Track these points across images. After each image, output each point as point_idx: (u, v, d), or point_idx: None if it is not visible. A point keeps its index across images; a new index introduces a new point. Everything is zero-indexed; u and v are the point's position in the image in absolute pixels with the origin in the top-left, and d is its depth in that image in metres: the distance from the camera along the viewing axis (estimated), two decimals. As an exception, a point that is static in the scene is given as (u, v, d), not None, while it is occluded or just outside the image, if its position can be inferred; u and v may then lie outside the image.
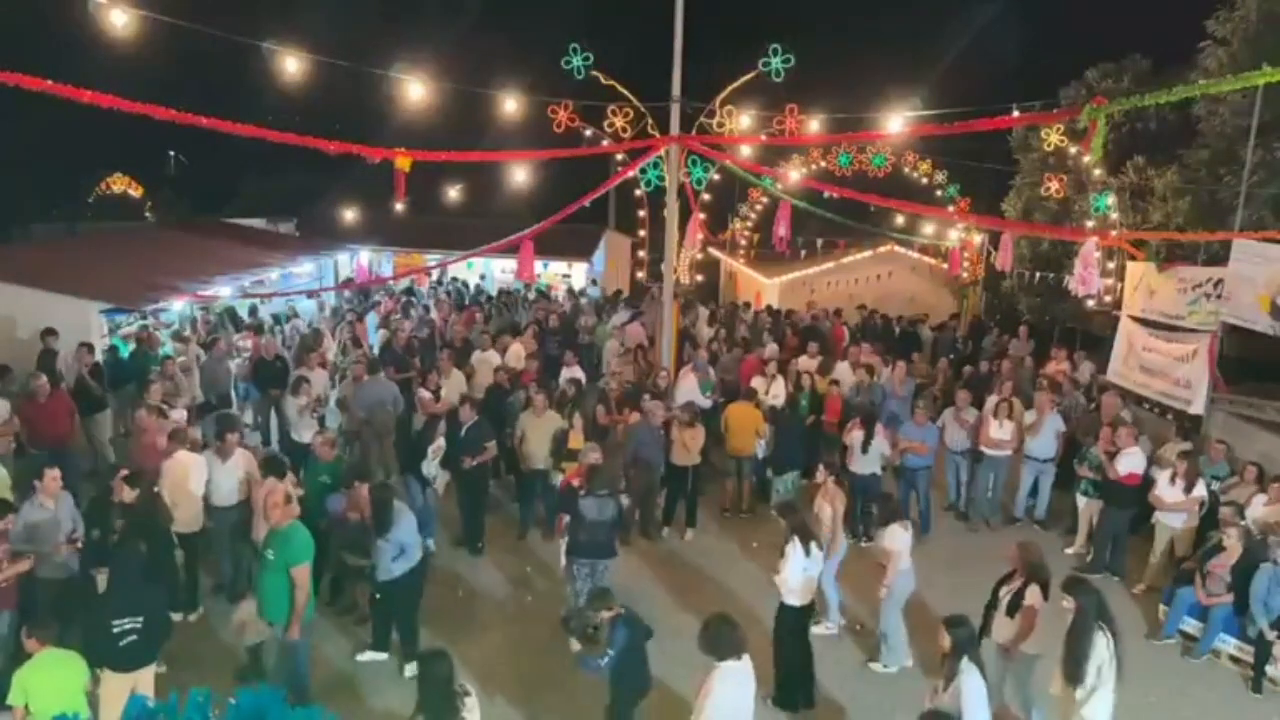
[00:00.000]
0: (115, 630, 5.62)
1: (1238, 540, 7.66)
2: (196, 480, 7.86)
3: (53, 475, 6.91)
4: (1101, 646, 5.71)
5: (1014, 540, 10.07)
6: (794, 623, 6.89)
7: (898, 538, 7.28)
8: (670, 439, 9.87)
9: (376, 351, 12.92)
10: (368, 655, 7.38)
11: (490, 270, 23.24)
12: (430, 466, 9.08)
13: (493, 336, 13.14)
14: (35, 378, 9.34)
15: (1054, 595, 6.26)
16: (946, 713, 4.75)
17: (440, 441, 9.10)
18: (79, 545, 6.93)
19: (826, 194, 14.44)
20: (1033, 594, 6.32)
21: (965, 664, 5.26)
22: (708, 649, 5.21)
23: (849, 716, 7.04)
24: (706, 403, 11.19)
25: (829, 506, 7.86)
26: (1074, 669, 5.73)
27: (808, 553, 6.75)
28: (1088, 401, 11.57)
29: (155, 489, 7.44)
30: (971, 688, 5.20)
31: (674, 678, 7.07)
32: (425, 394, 10.57)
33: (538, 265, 12.36)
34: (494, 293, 20.41)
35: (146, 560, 6.40)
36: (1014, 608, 6.37)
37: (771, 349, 13.43)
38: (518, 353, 12.54)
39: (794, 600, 6.82)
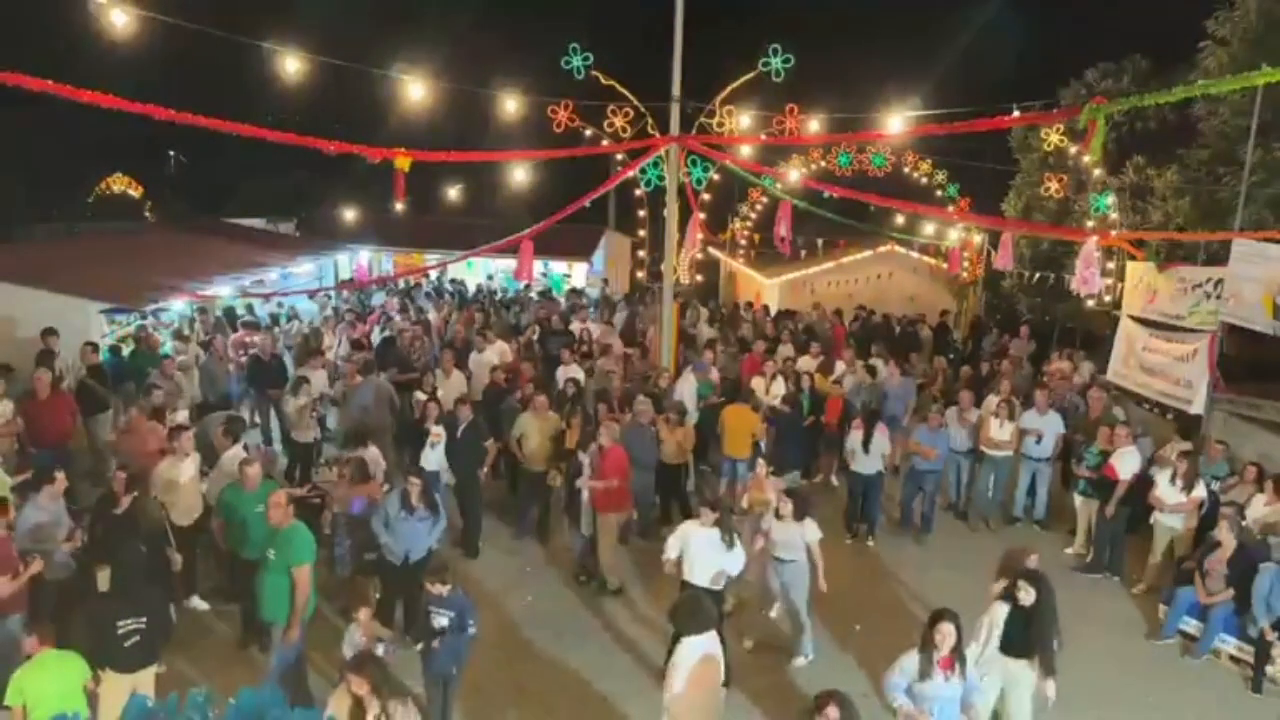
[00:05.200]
0: (120, 631, 5.62)
1: (1229, 532, 7.65)
2: (187, 478, 7.81)
3: (61, 479, 6.94)
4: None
5: (1014, 540, 10.08)
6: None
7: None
8: (661, 439, 9.81)
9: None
10: None
11: (494, 270, 23.24)
12: (433, 457, 9.11)
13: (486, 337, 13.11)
14: (37, 374, 9.34)
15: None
16: (846, 695, 4.78)
17: (438, 429, 9.18)
18: (78, 544, 6.93)
19: (826, 194, 14.43)
20: None
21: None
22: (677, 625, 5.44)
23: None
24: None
25: (759, 495, 8.04)
26: (1047, 655, 5.89)
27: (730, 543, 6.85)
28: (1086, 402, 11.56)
29: (135, 495, 7.41)
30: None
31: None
32: (421, 396, 10.53)
33: (538, 265, 12.33)
34: (494, 293, 20.38)
35: (146, 560, 6.40)
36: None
37: (784, 350, 13.40)
38: (501, 350, 12.51)
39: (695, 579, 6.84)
